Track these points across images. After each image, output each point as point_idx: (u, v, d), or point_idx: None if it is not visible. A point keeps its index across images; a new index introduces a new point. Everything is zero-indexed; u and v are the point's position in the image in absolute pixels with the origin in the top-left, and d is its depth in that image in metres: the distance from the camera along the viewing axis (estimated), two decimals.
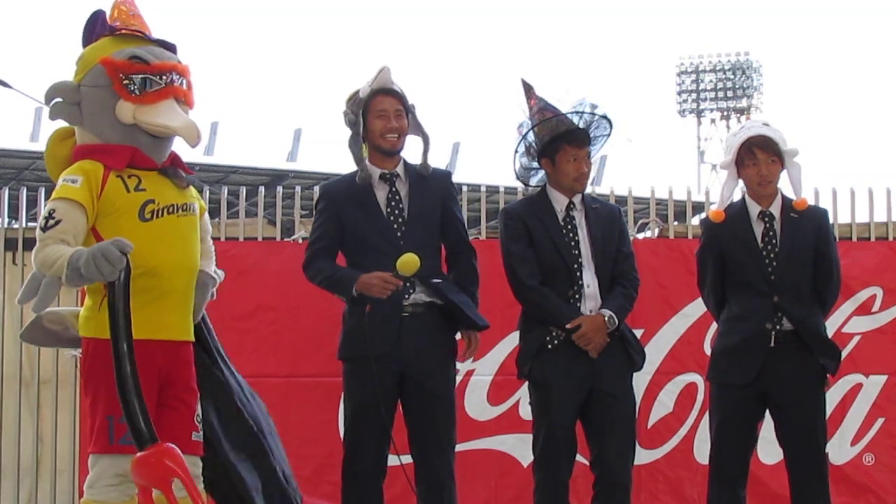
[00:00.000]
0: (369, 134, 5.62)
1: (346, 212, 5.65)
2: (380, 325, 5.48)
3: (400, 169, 5.70)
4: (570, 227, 5.69)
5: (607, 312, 5.58)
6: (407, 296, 5.54)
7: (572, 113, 5.70)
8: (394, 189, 5.65)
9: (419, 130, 5.72)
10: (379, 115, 5.60)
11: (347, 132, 5.68)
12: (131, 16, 4.69)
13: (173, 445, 4.19)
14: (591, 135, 5.73)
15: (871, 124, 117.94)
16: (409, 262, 5.34)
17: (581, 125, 5.71)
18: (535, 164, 5.80)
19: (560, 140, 5.66)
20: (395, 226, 5.60)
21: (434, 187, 5.72)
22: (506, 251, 5.74)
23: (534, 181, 5.92)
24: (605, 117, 5.72)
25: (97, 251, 4.16)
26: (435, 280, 5.59)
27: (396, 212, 5.62)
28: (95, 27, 4.68)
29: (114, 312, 4.22)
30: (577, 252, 5.66)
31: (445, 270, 5.78)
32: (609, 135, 5.79)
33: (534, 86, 5.80)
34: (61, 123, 4.70)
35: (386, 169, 5.66)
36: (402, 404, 5.66)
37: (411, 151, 5.77)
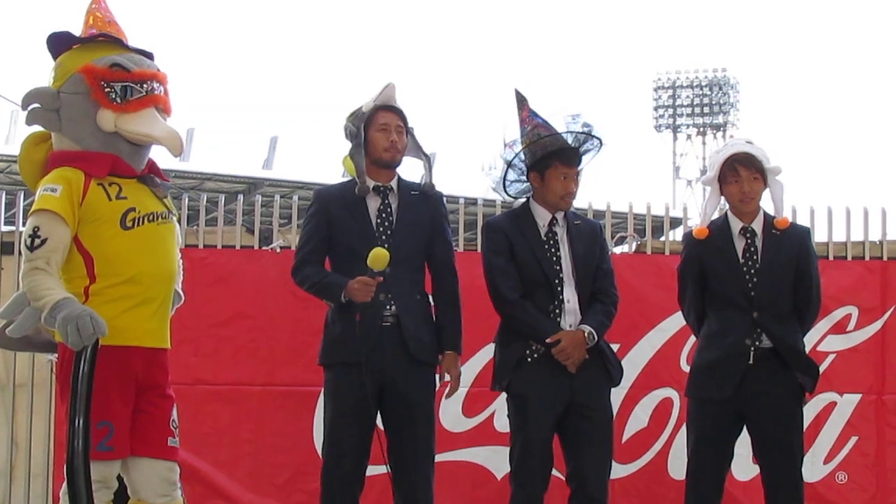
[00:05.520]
0: (370, 146, 5.65)
1: (336, 218, 5.66)
2: (360, 334, 5.48)
3: (394, 183, 5.73)
4: (552, 242, 5.71)
5: (587, 328, 5.59)
6: (388, 307, 5.55)
7: (568, 133, 5.71)
8: (386, 201, 5.68)
9: (418, 152, 5.79)
10: (381, 128, 5.64)
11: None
12: (107, 23, 4.69)
13: None
14: (581, 151, 5.75)
15: (849, 143, 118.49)
16: (378, 256, 5.34)
17: (574, 144, 5.73)
18: (523, 178, 5.81)
19: (552, 157, 5.68)
20: (384, 237, 5.61)
21: (426, 205, 5.75)
22: (487, 264, 5.74)
23: (512, 192, 5.93)
24: (598, 138, 5.74)
25: (76, 318, 4.19)
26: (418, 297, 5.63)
27: (386, 224, 5.64)
28: (61, 45, 4.65)
29: (75, 385, 4.23)
30: (558, 267, 5.67)
31: (429, 289, 5.80)
32: (597, 153, 5.81)
33: (527, 97, 5.81)
34: (37, 129, 4.68)
35: (381, 182, 5.69)
36: (381, 415, 5.66)
37: (408, 174, 5.86)
